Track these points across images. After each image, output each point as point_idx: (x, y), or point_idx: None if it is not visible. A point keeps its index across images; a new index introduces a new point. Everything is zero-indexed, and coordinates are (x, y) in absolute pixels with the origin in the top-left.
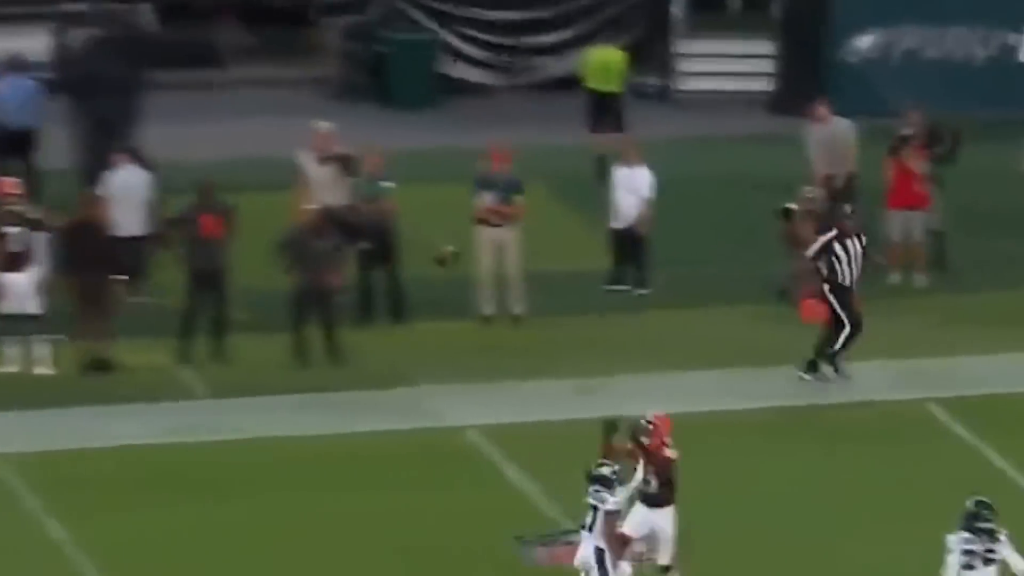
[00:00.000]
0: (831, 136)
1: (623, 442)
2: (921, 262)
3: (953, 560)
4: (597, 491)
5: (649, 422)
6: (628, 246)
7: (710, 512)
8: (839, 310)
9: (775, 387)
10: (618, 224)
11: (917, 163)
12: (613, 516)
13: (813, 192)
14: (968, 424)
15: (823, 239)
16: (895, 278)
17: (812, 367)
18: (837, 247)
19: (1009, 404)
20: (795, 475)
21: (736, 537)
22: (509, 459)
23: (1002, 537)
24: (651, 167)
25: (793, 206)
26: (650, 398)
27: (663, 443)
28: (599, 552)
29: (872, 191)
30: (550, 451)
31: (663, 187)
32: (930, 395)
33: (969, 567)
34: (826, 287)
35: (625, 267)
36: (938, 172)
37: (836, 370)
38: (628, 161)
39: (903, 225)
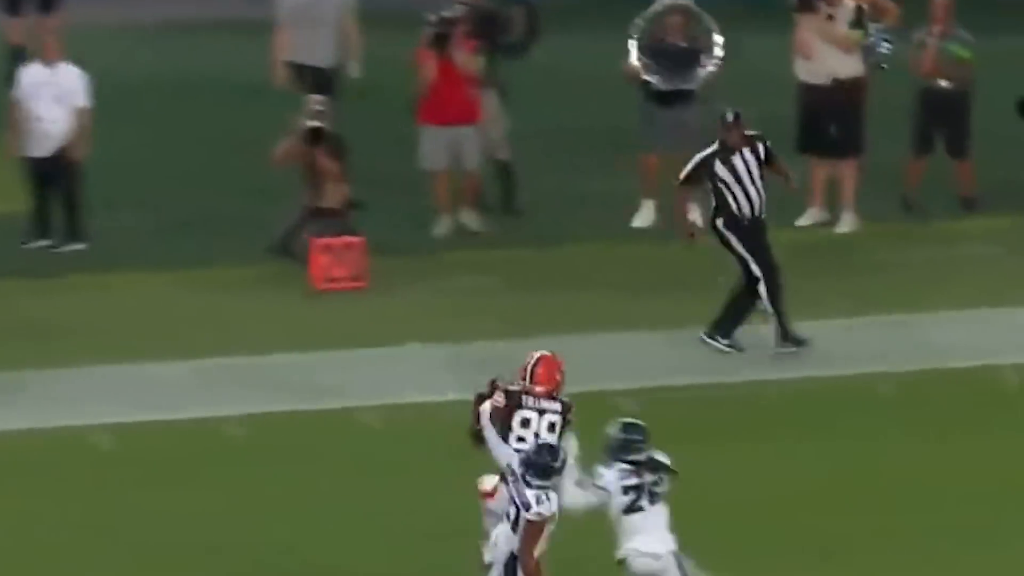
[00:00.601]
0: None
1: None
2: (471, 198)
3: (576, 498)
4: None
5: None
6: (49, 180)
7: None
8: (742, 252)
9: (297, 379)
10: (36, 149)
11: (466, 59)
12: (536, 526)
13: (324, 103)
14: None
15: (697, 157)
16: (443, 224)
17: (716, 331)
18: (719, 167)
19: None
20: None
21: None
22: None
23: (662, 457)
24: (82, 65)
25: (318, 124)
26: (102, 397)
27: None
28: (511, 560)
29: (399, 96)
30: None
31: (102, 95)
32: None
33: (635, 508)
34: (718, 223)
35: (48, 211)
36: (500, 73)
37: (786, 337)
38: (47, 57)
39: (446, 147)
